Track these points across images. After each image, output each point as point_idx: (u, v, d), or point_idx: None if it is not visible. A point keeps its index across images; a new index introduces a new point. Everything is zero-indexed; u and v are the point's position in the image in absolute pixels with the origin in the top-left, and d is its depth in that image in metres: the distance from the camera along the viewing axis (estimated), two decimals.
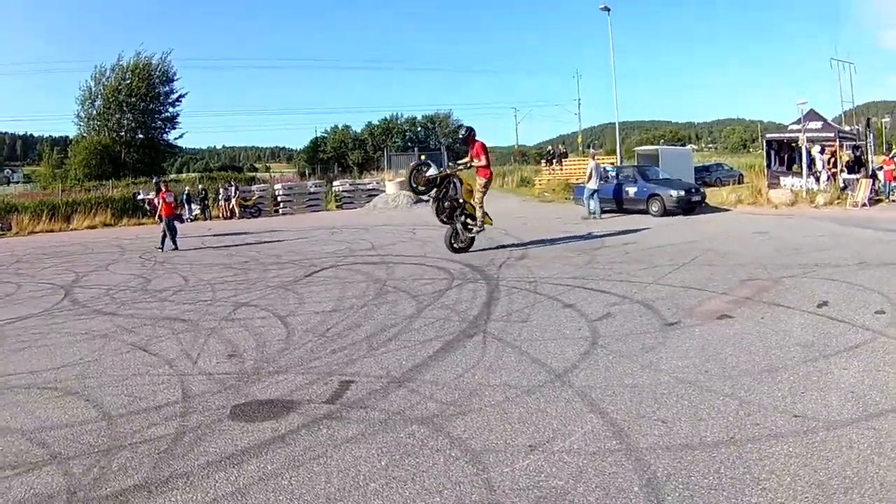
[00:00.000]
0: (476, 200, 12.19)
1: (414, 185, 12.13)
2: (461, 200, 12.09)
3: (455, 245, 12.14)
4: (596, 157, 23.36)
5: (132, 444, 4.12)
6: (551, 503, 3.08)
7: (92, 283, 11.84)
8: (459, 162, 12.83)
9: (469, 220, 12.25)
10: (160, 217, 18.11)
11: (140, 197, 24.90)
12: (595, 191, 19.73)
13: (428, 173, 12.07)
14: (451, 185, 12.07)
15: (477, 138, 12.56)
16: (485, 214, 12.34)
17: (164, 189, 19.43)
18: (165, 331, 7.33)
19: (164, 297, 9.72)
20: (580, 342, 5.82)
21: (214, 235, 21.23)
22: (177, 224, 20.80)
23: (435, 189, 12.01)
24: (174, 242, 17.21)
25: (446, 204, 11.98)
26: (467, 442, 3.82)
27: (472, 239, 12.31)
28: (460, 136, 13.22)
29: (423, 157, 13.64)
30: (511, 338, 6.12)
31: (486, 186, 12.35)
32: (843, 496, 2.95)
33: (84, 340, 7.13)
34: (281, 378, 5.32)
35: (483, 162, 12.06)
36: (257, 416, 4.50)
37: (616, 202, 20.30)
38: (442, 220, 12.20)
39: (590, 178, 19.92)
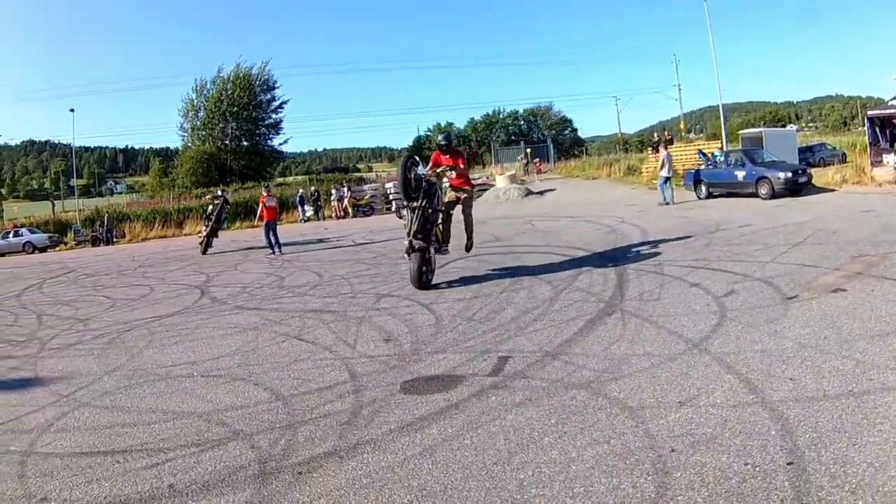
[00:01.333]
0: (465, 216, 10.44)
1: (408, 180, 9.47)
2: (446, 213, 10.04)
3: (425, 278, 9.37)
4: (668, 148, 24.06)
5: (313, 419, 4.47)
6: (704, 446, 3.49)
7: (225, 282, 12.40)
8: (440, 169, 10.19)
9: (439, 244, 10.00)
10: (261, 219, 17.68)
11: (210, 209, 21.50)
12: (667, 178, 20.40)
13: (419, 170, 9.83)
14: (436, 195, 9.79)
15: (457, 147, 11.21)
16: (448, 240, 10.26)
17: (265, 193, 18.36)
18: (315, 322, 7.78)
19: (302, 293, 10.18)
20: (710, 316, 6.27)
21: (336, 237, 21.26)
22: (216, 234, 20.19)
23: (423, 195, 9.53)
24: (279, 246, 17.08)
25: (432, 215, 9.53)
26: (624, 401, 4.26)
27: (434, 270, 9.75)
28: (441, 141, 10.80)
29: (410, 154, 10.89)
30: (647, 314, 6.60)
31: (471, 198, 10.59)
32: None
33: (235, 333, 7.62)
34: (441, 357, 5.76)
35: (464, 169, 10.41)
36: (427, 389, 4.91)
37: (722, 186, 20.55)
38: (412, 244, 9.32)
39: (662, 166, 20.69)
